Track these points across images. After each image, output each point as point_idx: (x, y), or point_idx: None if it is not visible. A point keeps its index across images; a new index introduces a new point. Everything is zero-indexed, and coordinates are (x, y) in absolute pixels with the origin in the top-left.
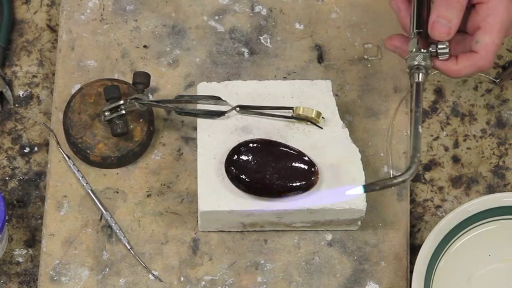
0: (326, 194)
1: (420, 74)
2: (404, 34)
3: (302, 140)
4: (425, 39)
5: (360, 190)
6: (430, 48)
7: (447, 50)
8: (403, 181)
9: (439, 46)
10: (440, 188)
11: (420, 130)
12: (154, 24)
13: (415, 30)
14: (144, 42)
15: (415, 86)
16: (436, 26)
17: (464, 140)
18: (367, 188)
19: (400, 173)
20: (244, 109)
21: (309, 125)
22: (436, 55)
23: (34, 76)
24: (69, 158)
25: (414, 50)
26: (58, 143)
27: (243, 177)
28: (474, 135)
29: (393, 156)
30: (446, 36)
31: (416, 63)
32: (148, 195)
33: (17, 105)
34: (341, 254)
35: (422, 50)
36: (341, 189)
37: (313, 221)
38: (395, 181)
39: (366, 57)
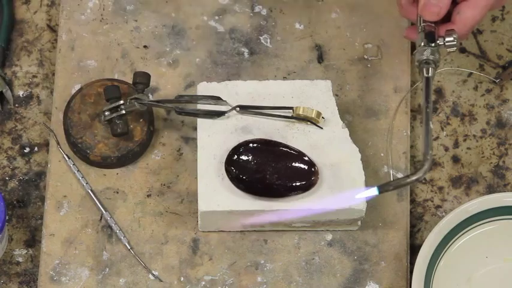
0: (333, 198)
1: (430, 69)
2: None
3: (302, 140)
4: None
5: (374, 191)
6: (438, 41)
7: (455, 42)
8: (418, 179)
9: (447, 39)
10: (440, 188)
11: (432, 126)
12: (154, 24)
13: (422, 24)
14: (144, 42)
15: (424, 81)
16: (427, 7)
17: (464, 140)
18: (382, 188)
19: (412, 172)
20: (244, 109)
21: (309, 125)
22: (443, 48)
23: (34, 76)
24: (69, 158)
25: (422, 44)
26: (58, 143)
27: (243, 177)
28: (474, 135)
29: (393, 156)
30: (436, 16)
31: (424, 57)
32: (148, 195)
33: (17, 105)
34: (341, 254)
35: (431, 44)
36: (350, 193)
37: (313, 221)
38: (408, 180)
39: (366, 57)
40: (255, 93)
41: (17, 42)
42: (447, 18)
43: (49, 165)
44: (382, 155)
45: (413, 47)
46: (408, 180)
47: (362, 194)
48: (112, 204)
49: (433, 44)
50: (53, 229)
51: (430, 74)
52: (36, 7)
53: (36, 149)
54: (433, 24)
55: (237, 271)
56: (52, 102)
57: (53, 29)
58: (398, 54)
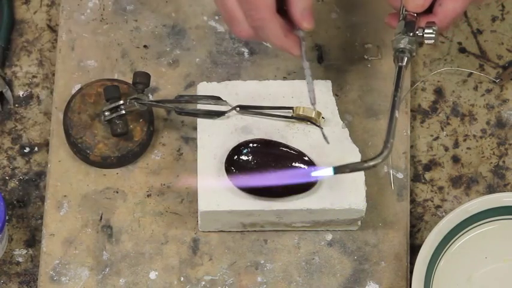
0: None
1: (405, 58)
2: None
3: (302, 140)
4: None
5: (330, 171)
6: (417, 32)
7: (434, 35)
8: (374, 165)
9: (426, 30)
10: (440, 188)
11: (397, 115)
12: (154, 24)
13: (404, 12)
14: (144, 42)
15: (397, 69)
16: None
17: (464, 140)
18: (337, 170)
19: (371, 157)
20: (244, 109)
21: (309, 125)
22: (422, 39)
23: (34, 76)
24: None
25: (401, 32)
26: None
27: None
28: (474, 135)
29: (393, 156)
30: (420, 8)
31: (401, 46)
32: (148, 195)
33: (17, 105)
34: (341, 254)
35: (409, 34)
36: (311, 169)
37: (313, 221)
38: (365, 165)
39: (366, 57)
40: (255, 93)
41: (17, 42)
42: (429, 9)
43: (49, 165)
44: None
45: None
46: (365, 165)
47: (317, 173)
48: (112, 204)
49: (411, 34)
50: (53, 229)
51: (403, 63)
52: (36, 7)
53: (36, 149)
54: (414, 14)
55: (237, 271)
56: (52, 102)
57: (53, 29)
58: None
